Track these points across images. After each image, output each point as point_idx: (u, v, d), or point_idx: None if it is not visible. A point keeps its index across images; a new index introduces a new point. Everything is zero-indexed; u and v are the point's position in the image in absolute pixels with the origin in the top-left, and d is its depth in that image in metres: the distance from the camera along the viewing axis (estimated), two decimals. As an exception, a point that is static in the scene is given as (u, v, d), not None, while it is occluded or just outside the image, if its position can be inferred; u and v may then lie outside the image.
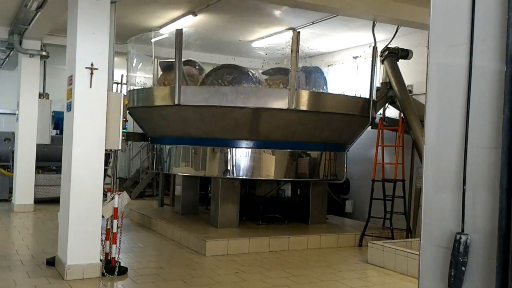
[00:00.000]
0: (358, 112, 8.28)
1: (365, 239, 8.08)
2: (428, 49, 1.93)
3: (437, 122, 1.87)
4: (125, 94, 8.67)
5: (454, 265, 1.86)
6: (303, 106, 7.74)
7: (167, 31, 9.74)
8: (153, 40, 9.51)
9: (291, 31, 8.39)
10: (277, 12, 9.04)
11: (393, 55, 8.85)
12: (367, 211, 8.35)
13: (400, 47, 8.95)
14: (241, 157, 8.02)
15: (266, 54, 9.82)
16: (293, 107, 7.58)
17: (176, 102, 7.70)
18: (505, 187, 1.68)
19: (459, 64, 1.87)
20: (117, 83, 11.83)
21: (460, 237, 1.92)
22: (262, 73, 9.04)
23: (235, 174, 8.06)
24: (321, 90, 8.52)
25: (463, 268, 1.86)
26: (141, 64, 9.94)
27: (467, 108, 1.79)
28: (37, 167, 11.16)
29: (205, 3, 8.49)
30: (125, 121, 6.28)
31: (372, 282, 6.21)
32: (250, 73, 8.29)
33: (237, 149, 8.00)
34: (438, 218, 1.86)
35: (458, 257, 1.85)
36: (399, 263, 6.54)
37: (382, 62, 8.91)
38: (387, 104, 9.08)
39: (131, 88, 9.26)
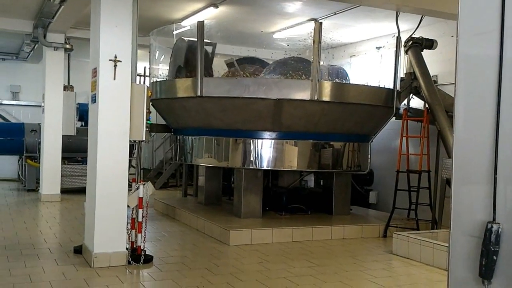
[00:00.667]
0: (382, 103, 8.20)
1: (389, 230, 8.04)
2: (457, 37, 1.90)
3: (467, 112, 1.85)
4: (148, 86, 8.75)
5: (485, 254, 1.85)
6: (326, 97, 7.70)
7: (188, 23, 9.78)
8: (175, 33, 9.55)
9: (313, 22, 8.34)
10: (298, 3, 8.99)
11: (417, 45, 8.73)
12: (391, 202, 8.29)
13: (424, 37, 8.82)
14: (264, 148, 8.04)
15: (288, 45, 9.78)
16: (316, 98, 7.54)
17: (199, 94, 7.73)
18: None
19: (489, 52, 1.84)
20: (140, 75, 11.96)
21: (492, 226, 1.90)
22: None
23: (258, 165, 8.08)
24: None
25: (495, 257, 1.85)
26: (163, 56, 10.01)
27: (498, 97, 1.77)
28: (62, 158, 11.38)
29: (226, -6, 8.51)
30: (149, 112, 6.34)
31: (397, 272, 6.19)
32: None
33: (260, 140, 8.01)
34: (469, 208, 1.84)
35: (489, 246, 1.83)
36: (424, 254, 6.50)
37: (406, 52, 8.79)
38: (411, 94, 8.98)
39: (154, 80, 9.34)
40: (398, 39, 8.47)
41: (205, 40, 7.99)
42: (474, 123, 1.84)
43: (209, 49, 9.00)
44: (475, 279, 1.90)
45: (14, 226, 8.19)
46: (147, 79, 9.82)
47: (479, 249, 1.85)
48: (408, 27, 9.16)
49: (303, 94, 7.59)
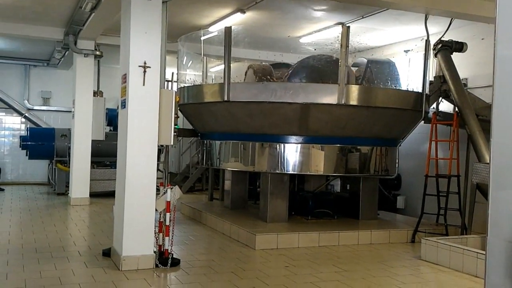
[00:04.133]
0: (411, 107, 8.11)
1: (418, 235, 7.92)
2: (494, 40, 1.87)
3: (505, 116, 1.81)
4: (176, 91, 8.85)
5: (524, 260, 1.80)
6: (353, 101, 7.65)
7: (216, 29, 9.85)
8: (202, 38, 9.63)
9: (340, 26, 8.31)
10: (325, 7, 8.97)
11: (446, 48, 8.61)
12: (419, 207, 8.18)
13: (454, 39, 8.69)
14: (290, 152, 8.02)
15: (315, 49, 9.75)
16: (343, 102, 7.50)
17: (225, 99, 7.78)
18: None
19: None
20: (168, 81, 12.09)
21: (530, 232, 1.83)
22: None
23: (284, 169, 8.07)
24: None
25: (533, 264, 1.79)
26: (191, 62, 10.10)
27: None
28: (92, 162, 11.56)
29: (253, 0, 8.53)
30: (177, 117, 6.40)
31: (426, 278, 6.09)
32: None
33: (286, 144, 8.01)
34: (507, 213, 1.80)
35: (529, 253, 1.78)
36: (454, 260, 6.38)
37: (436, 55, 8.68)
38: (440, 98, 8.85)
39: (181, 86, 9.43)
40: (427, 42, 8.37)
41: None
42: (512, 126, 1.80)
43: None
44: (512, 286, 1.85)
45: (45, 229, 8.36)
46: (175, 84, 9.92)
47: (517, 255, 1.81)
48: (437, 30, 9.04)
49: (330, 98, 7.56)
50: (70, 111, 11.94)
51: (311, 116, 7.69)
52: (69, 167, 11.93)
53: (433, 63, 8.79)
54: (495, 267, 1.79)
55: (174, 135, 6.28)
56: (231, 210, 9.52)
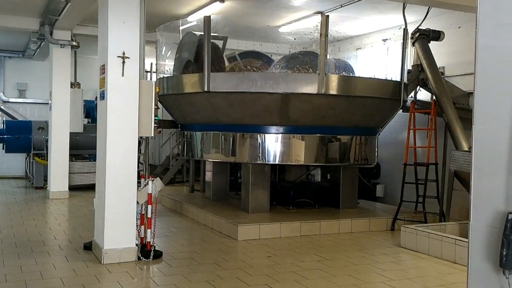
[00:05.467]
0: (389, 95, 8.18)
1: (397, 223, 8.04)
2: (476, 29, 1.89)
3: (486, 103, 1.84)
4: (155, 82, 8.76)
5: (506, 245, 1.84)
6: (333, 91, 7.68)
7: (195, 19, 9.77)
8: (181, 28, 9.55)
9: (319, 15, 8.31)
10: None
11: (424, 37, 8.69)
12: (399, 195, 8.29)
13: (431, 28, 8.78)
14: (271, 142, 8.04)
15: (294, 39, 9.76)
16: (323, 92, 7.53)
17: (206, 89, 7.73)
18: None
19: (510, 44, 1.82)
20: (147, 72, 11.95)
21: (513, 217, 1.88)
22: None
23: (265, 160, 8.09)
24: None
25: (515, 248, 1.83)
26: (170, 52, 10.01)
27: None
28: (70, 155, 11.42)
29: (232, -12, 8.48)
30: (157, 108, 6.35)
31: (406, 265, 6.20)
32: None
33: (267, 135, 8.01)
34: (489, 199, 1.84)
35: (510, 237, 1.82)
36: (433, 247, 6.50)
37: (413, 44, 8.76)
38: (418, 86, 8.94)
39: (161, 76, 9.34)
40: (405, 31, 8.43)
41: (215, 34, 7.95)
42: (494, 114, 1.83)
43: (219, 43, 8.98)
44: (495, 269, 1.90)
45: (24, 223, 8.25)
46: (154, 75, 9.82)
47: (499, 240, 1.85)
48: (414, 18, 9.11)
49: (310, 88, 7.57)
50: (47, 103, 11.77)
51: (292, 106, 7.70)
52: (47, 160, 11.77)
53: (411, 52, 8.87)
54: (478, 252, 1.83)
55: (154, 126, 6.23)
56: (213, 202, 9.52)
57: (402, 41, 8.42)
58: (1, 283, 5.10)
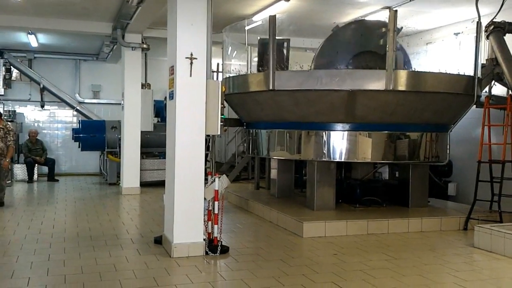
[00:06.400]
0: (462, 91, 7.87)
1: (470, 222, 7.72)
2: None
3: None
4: (222, 81, 8.91)
5: None
6: (401, 87, 7.49)
7: (260, 18, 9.84)
8: (246, 28, 9.65)
9: (387, 10, 8.12)
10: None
11: (499, 30, 8.29)
12: (471, 194, 7.96)
13: (506, 21, 8.35)
14: (337, 140, 7.95)
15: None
16: (391, 88, 7.36)
17: (271, 87, 7.76)
18: None
19: None
20: (214, 72, 12.19)
21: None
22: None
23: (330, 157, 8.01)
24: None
25: None
26: (235, 52, 10.14)
27: None
28: (141, 153, 11.84)
29: (296, -13, 8.46)
30: (223, 107, 6.46)
31: (480, 266, 5.94)
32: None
33: (333, 132, 7.94)
34: None
35: None
36: (508, 247, 6.19)
37: (487, 37, 8.37)
38: (493, 81, 8.54)
39: (227, 76, 9.49)
40: (479, 24, 8.07)
41: (279, 38, 8.00)
42: None
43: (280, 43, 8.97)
44: None
45: (98, 217, 8.65)
46: (220, 74, 10.00)
47: None
48: (489, 11, 8.70)
49: (378, 84, 7.42)
50: (120, 104, 12.25)
51: (358, 103, 7.59)
52: (119, 157, 12.26)
53: (485, 46, 8.49)
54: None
55: (220, 124, 6.35)
56: (278, 199, 9.56)
57: (475, 34, 8.07)
58: (77, 274, 5.38)
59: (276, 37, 7.90)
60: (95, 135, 13.42)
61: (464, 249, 6.69)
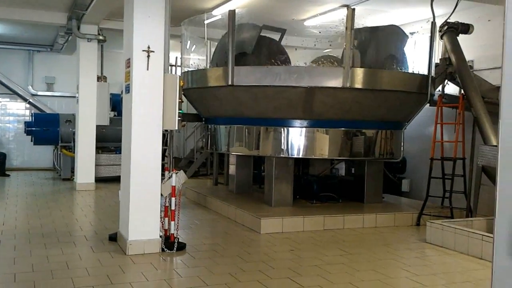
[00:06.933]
0: (416, 89, 8.06)
1: (423, 218, 7.94)
2: (504, 21, 1.84)
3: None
4: (180, 75, 8.81)
5: (532, 241, 1.79)
6: (358, 84, 7.60)
7: (219, 13, 9.77)
8: (206, 22, 9.56)
9: (345, 8, 8.22)
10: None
11: (452, 30, 8.51)
12: (424, 190, 8.18)
13: (460, 21, 8.59)
14: (295, 136, 8.01)
15: (319, 32, 9.68)
16: (348, 85, 7.46)
17: (230, 83, 7.74)
18: None
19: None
20: (172, 66, 12.04)
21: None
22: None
23: (288, 153, 8.06)
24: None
25: (541, 245, 1.78)
26: (194, 46, 10.04)
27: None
28: (96, 148, 11.60)
29: (257, -18, 8.44)
30: (181, 102, 6.39)
31: (431, 261, 6.11)
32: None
33: (291, 128, 7.99)
34: (515, 194, 1.79)
35: (537, 234, 1.77)
36: (459, 242, 6.40)
37: (441, 37, 8.59)
38: (446, 80, 8.78)
39: (185, 70, 9.39)
40: (433, 24, 8.27)
41: (272, 26, 7.95)
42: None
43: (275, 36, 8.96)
44: (521, 267, 1.85)
45: (51, 214, 8.41)
46: (179, 69, 9.88)
47: (526, 237, 1.79)
48: (443, 11, 8.93)
49: (335, 82, 7.51)
50: (74, 97, 11.95)
51: (316, 99, 7.65)
52: (74, 152, 11.98)
53: (439, 45, 8.72)
54: (503, 248, 1.79)
55: (178, 119, 6.27)
56: (236, 195, 9.55)
57: (430, 34, 8.27)
58: (28, 272, 5.21)
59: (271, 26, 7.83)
60: (49, 128, 13.05)
61: (417, 244, 6.87)
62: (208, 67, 9.20)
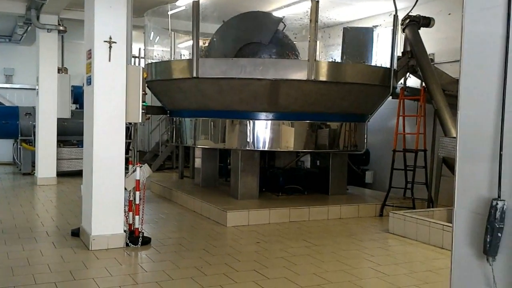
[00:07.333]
0: (379, 82, 8.17)
1: (386, 209, 8.08)
2: (462, 13, 1.87)
3: (472, 89, 1.83)
4: (143, 67, 8.67)
5: (490, 231, 1.84)
6: (323, 77, 7.66)
7: (183, 3, 9.64)
8: (169, 13, 9.43)
9: (309, 1, 8.24)
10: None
11: (414, 24, 8.66)
12: (387, 181, 8.33)
13: (421, 15, 8.75)
14: (260, 129, 8.01)
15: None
16: (312, 78, 7.50)
17: (194, 75, 7.67)
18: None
19: (495, 29, 1.81)
20: (135, 57, 11.83)
21: (497, 203, 1.89)
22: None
23: (254, 146, 8.06)
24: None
25: (499, 234, 1.84)
26: (158, 37, 9.90)
27: (504, 73, 1.74)
28: (58, 141, 11.34)
29: (222, -28, 8.37)
30: (145, 94, 6.29)
31: (394, 251, 6.23)
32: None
33: (256, 121, 7.98)
34: (473, 185, 1.83)
35: (494, 223, 1.83)
36: (420, 232, 6.55)
37: (403, 30, 8.73)
38: (408, 73, 8.94)
39: (149, 62, 9.25)
40: (395, 17, 8.40)
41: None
42: (479, 99, 1.82)
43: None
44: (479, 256, 1.90)
45: (11, 209, 8.18)
46: (142, 60, 9.73)
47: (483, 226, 1.85)
48: (405, 5, 9.06)
49: (300, 74, 7.54)
50: (34, 89, 11.63)
51: (281, 92, 7.67)
52: (34, 146, 11.67)
53: (401, 39, 8.85)
54: (462, 238, 1.83)
55: (142, 112, 6.17)
56: (202, 188, 9.50)
57: (392, 27, 8.39)
58: (-13, 269, 5.06)
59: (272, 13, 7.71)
60: (7, 122, 12.69)
61: (380, 234, 6.99)
62: (172, 58, 9.06)
